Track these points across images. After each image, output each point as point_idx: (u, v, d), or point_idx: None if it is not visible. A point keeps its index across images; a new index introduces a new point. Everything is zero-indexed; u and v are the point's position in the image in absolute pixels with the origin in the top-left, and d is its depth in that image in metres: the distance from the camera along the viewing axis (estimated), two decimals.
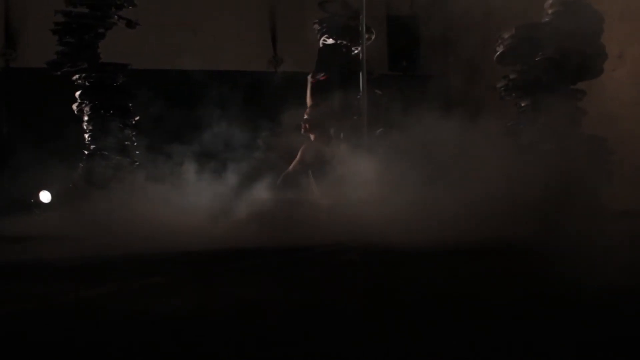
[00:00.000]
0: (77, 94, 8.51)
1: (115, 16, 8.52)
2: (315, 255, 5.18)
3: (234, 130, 8.42)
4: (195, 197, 7.50)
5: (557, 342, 2.32)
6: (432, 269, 4.28)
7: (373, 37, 8.70)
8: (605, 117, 7.47)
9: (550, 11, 7.43)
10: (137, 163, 8.54)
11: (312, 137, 8.16)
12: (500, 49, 7.68)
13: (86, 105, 8.49)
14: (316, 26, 8.76)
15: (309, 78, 8.41)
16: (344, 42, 8.66)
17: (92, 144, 8.47)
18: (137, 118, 8.65)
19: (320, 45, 8.79)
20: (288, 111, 8.19)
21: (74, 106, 8.55)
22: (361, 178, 6.88)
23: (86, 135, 8.50)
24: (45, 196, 8.50)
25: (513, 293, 3.32)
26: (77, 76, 8.47)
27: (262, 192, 7.45)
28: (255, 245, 5.63)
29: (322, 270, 4.52)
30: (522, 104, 7.63)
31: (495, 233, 5.24)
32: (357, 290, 3.63)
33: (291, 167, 7.92)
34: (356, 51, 8.46)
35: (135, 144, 8.66)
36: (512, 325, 2.62)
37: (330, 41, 8.68)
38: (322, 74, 8.16)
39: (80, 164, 8.44)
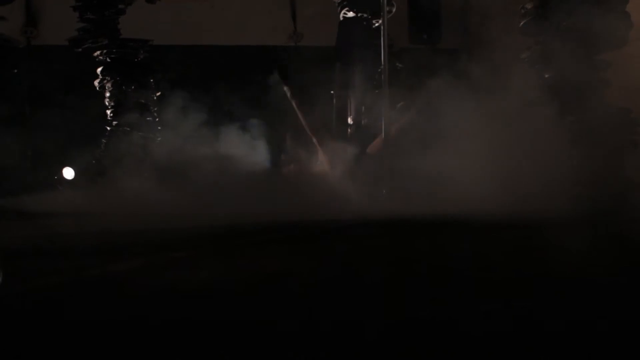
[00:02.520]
0: (99, 70, 8.55)
1: None
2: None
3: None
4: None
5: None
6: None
7: (394, 10, 8.61)
8: (630, 88, 7.34)
9: None
10: (159, 139, 8.57)
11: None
12: (524, 19, 7.58)
13: (108, 81, 8.53)
14: None
15: None
16: (365, 15, 8.59)
17: (114, 120, 8.52)
18: (158, 94, 8.66)
19: (341, 18, 8.72)
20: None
21: (96, 82, 8.59)
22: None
23: (108, 112, 8.55)
24: (68, 173, 8.56)
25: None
26: (98, 52, 8.51)
27: None
28: (278, 219, 5.63)
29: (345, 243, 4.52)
30: (546, 75, 7.52)
31: (521, 208, 5.21)
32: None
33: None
34: (377, 24, 8.39)
35: (157, 119, 8.69)
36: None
37: (351, 14, 8.60)
38: None
39: (103, 140, 8.50)
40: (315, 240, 4.64)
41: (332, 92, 8.64)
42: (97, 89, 8.60)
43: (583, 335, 2.02)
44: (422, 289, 2.79)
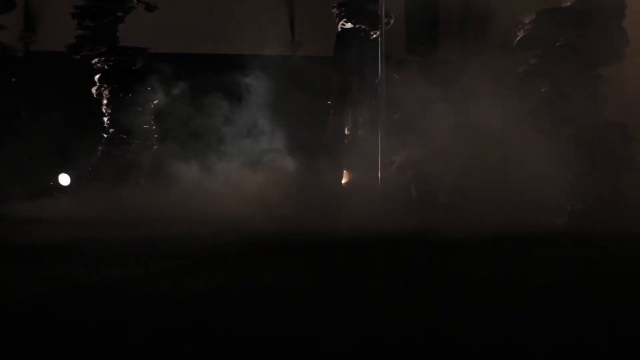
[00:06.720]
0: (96, 77, 8.55)
1: (135, 0, 8.53)
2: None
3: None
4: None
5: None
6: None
7: (392, 21, 8.64)
8: (627, 103, 7.38)
9: None
10: (156, 146, 8.57)
11: None
12: (520, 34, 7.61)
13: (105, 88, 8.53)
14: (335, 10, 8.72)
15: None
16: (363, 27, 8.62)
17: (111, 128, 8.52)
18: (155, 102, 8.66)
19: (339, 29, 8.75)
20: None
21: (93, 89, 8.60)
22: None
23: (105, 119, 8.55)
24: (64, 179, 8.56)
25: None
26: (96, 60, 8.51)
27: None
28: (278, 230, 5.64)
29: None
30: (542, 89, 7.57)
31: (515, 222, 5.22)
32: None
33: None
34: (375, 35, 8.41)
35: (154, 127, 8.69)
36: None
37: (349, 25, 8.64)
38: None
39: (99, 147, 8.49)
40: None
41: (328, 102, 8.65)
42: (95, 96, 8.59)
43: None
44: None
